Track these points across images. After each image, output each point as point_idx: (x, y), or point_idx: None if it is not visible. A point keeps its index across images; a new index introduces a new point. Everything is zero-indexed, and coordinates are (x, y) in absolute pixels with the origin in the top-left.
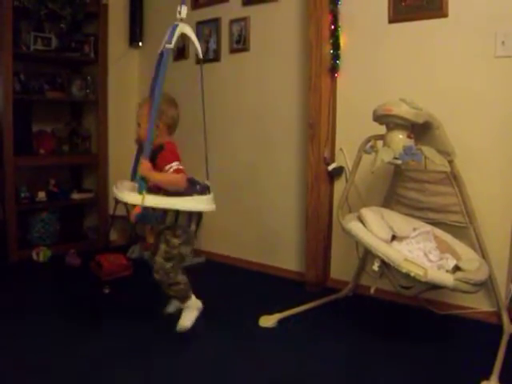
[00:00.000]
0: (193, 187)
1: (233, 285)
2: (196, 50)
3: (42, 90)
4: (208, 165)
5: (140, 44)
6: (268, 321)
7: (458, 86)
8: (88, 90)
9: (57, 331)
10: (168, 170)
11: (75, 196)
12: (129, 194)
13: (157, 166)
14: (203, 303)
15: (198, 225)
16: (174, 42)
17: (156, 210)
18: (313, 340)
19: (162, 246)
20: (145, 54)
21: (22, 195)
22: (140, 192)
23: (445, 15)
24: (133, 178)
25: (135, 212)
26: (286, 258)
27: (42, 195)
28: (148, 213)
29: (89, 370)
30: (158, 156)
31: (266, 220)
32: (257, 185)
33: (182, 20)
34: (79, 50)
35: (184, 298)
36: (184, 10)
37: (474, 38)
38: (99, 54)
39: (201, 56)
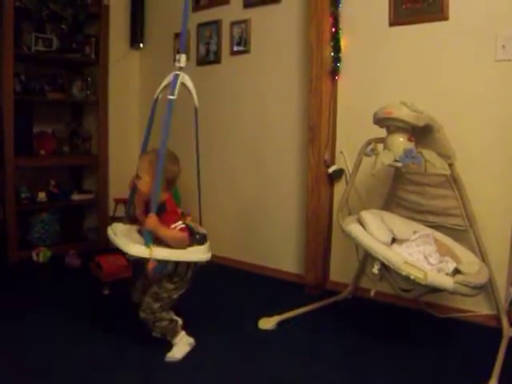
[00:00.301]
0: (192, 237)
1: (232, 287)
2: (193, 99)
3: (43, 91)
4: (201, 196)
5: (141, 45)
6: (267, 323)
7: (458, 89)
8: (89, 91)
9: (56, 332)
10: (174, 228)
11: (75, 197)
12: (134, 247)
13: (162, 223)
14: (202, 305)
15: (193, 272)
16: (176, 93)
17: (160, 261)
18: (312, 342)
19: (154, 288)
20: (145, 56)
21: (23, 196)
22: (147, 245)
23: (445, 18)
24: (128, 216)
25: (152, 266)
26: (286, 260)
27: (42, 196)
28: (162, 264)
29: (88, 372)
30: (163, 215)
31: (265, 222)
32: (257, 187)
33: (181, 69)
34: (80, 51)
35: (172, 335)
36: (183, 59)
37: (474, 41)
38: (100, 55)
39: (197, 105)
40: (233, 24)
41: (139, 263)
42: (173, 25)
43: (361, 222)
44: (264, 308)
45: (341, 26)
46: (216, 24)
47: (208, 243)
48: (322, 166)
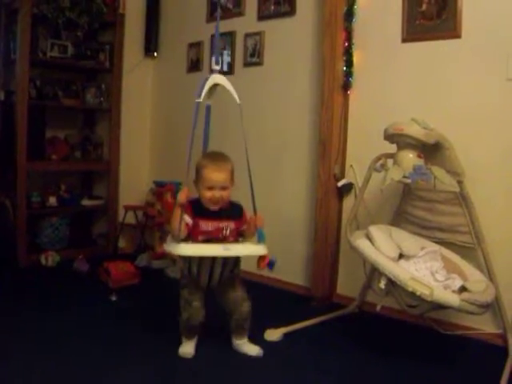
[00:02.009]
0: None
1: None
2: (233, 97)
3: (57, 97)
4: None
5: (155, 54)
6: (273, 334)
7: (469, 107)
8: (102, 98)
9: (61, 336)
10: None
11: (86, 202)
12: (258, 247)
13: (242, 223)
14: (208, 314)
15: None
16: (203, 95)
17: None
18: (317, 355)
19: (237, 281)
20: (159, 65)
21: (33, 200)
22: (263, 243)
23: (458, 36)
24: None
25: (263, 264)
26: (293, 272)
27: (52, 200)
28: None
29: (91, 377)
30: (243, 213)
31: (274, 233)
32: (266, 198)
33: (214, 71)
34: (94, 59)
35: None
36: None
37: (486, 59)
38: (114, 63)
39: (238, 101)
40: (247, 36)
41: (147, 270)
42: (187, 35)
43: (369, 237)
44: (270, 319)
45: (354, 41)
46: (230, 35)
47: None
48: (332, 179)
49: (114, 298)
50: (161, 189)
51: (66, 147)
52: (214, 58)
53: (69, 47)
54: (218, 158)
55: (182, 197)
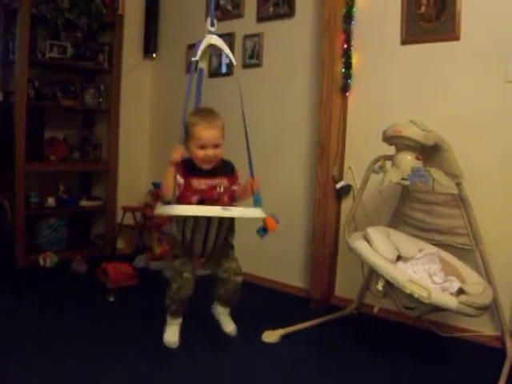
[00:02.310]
0: None
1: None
2: (229, 58)
3: (56, 98)
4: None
5: (154, 55)
6: (271, 336)
7: (468, 109)
8: (101, 99)
9: (59, 337)
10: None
11: (84, 203)
12: (253, 210)
13: (234, 180)
14: (206, 315)
15: None
16: (199, 54)
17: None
18: (315, 357)
19: (230, 251)
20: (158, 66)
21: (32, 200)
22: (260, 206)
23: (457, 38)
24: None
25: (273, 224)
26: (291, 273)
27: (51, 201)
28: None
29: (90, 378)
30: (234, 172)
31: (271, 235)
32: (264, 200)
33: (210, 32)
34: (94, 59)
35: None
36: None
37: (485, 62)
38: (113, 64)
39: (234, 62)
40: (246, 37)
41: (145, 271)
42: (186, 36)
43: (367, 239)
44: (268, 321)
45: (353, 43)
46: (229, 37)
47: None
48: (330, 181)
49: (111, 299)
50: (159, 190)
51: (64, 148)
52: (209, 19)
53: (68, 48)
54: (208, 114)
55: (177, 155)
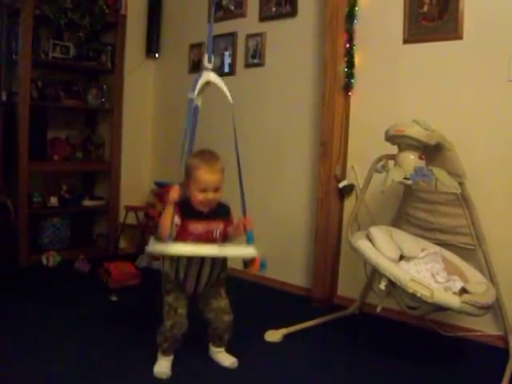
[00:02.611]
0: None
1: (239, 298)
2: (226, 96)
3: (59, 98)
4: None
5: (156, 55)
6: (274, 335)
7: (470, 109)
8: (103, 99)
9: (61, 336)
10: None
11: (87, 203)
12: (247, 249)
13: (229, 223)
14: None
15: None
16: (196, 92)
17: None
18: (317, 356)
19: (222, 290)
20: (161, 66)
21: (35, 200)
22: (252, 244)
23: (459, 37)
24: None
25: (257, 266)
26: (294, 273)
27: (54, 201)
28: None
29: (92, 376)
30: (229, 215)
31: (274, 234)
32: (266, 199)
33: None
34: (96, 59)
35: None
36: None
37: (487, 61)
38: (116, 64)
39: (231, 101)
40: (248, 37)
41: (147, 270)
42: (188, 36)
43: (369, 238)
44: (271, 320)
45: (355, 42)
46: (231, 36)
47: None
48: (333, 180)
49: (114, 298)
50: (162, 189)
51: (67, 148)
52: (206, 56)
53: (71, 48)
54: (210, 157)
55: (174, 195)
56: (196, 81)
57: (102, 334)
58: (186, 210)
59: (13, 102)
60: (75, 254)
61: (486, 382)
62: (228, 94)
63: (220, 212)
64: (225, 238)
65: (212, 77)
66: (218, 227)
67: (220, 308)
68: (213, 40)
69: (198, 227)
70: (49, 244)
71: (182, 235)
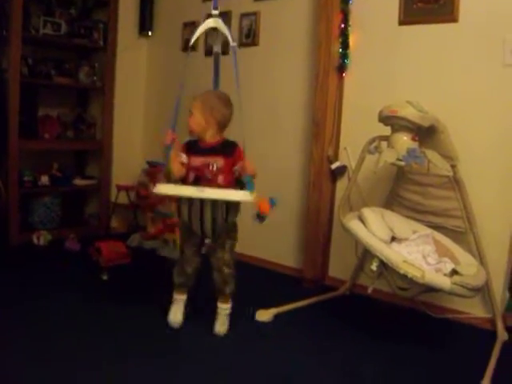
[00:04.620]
0: None
1: None
2: (228, 39)
3: (50, 75)
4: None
5: (149, 33)
6: (264, 315)
7: (464, 92)
8: (95, 77)
9: (52, 315)
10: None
11: (78, 182)
12: (238, 193)
13: (236, 159)
14: (200, 294)
15: None
16: (194, 39)
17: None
18: (307, 337)
19: (228, 242)
20: (154, 44)
21: (25, 179)
22: (251, 190)
23: (455, 20)
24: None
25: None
26: (285, 253)
27: (44, 179)
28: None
29: (83, 355)
30: (234, 151)
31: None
32: (258, 179)
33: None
34: (88, 37)
35: (232, 295)
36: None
37: (483, 44)
38: (108, 42)
39: (232, 43)
40: (242, 16)
41: (138, 250)
42: (182, 14)
43: (361, 219)
44: (261, 300)
45: (350, 23)
46: (225, 15)
47: None
48: (325, 161)
49: (105, 277)
50: (154, 169)
51: (58, 126)
52: (213, 3)
53: (62, 25)
54: (207, 92)
55: (166, 139)
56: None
57: (93, 312)
58: (191, 147)
59: (3, 79)
60: (66, 233)
61: (473, 364)
62: (229, 35)
63: (223, 148)
64: (231, 175)
65: (212, 22)
66: (215, 161)
67: (222, 259)
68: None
69: (196, 161)
70: (39, 223)
71: (187, 171)
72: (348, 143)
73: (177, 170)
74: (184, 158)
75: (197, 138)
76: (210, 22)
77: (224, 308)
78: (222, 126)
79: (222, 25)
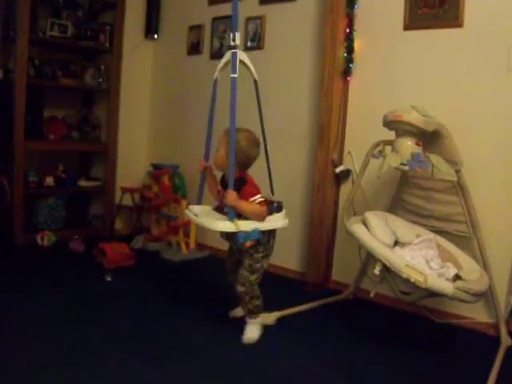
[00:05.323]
0: (271, 206)
1: None
2: (252, 73)
3: (56, 76)
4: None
5: (155, 36)
6: (267, 318)
7: (469, 97)
8: (101, 79)
9: (57, 316)
10: (253, 201)
11: (82, 183)
12: (220, 223)
13: (240, 197)
14: (205, 297)
15: (274, 238)
16: (217, 72)
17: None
18: (310, 340)
19: (247, 262)
20: (159, 47)
21: (30, 179)
22: (231, 220)
23: (460, 25)
24: (198, 202)
25: (249, 244)
26: (289, 257)
27: (49, 180)
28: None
29: (87, 357)
30: (241, 189)
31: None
32: (263, 182)
33: (235, 47)
34: (94, 39)
35: (257, 313)
36: (237, 37)
37: (487, 50)
38: (114, 44)
39: (256, 78)
40: (248, 20)
41: (142, 252)
42: (188, 17)
43: (365, 223)
44: (265, 303)
45: (355, 28)
46: (231, 19)
47: (284, 210)
48: (330, 165)
49: (109, 279)
50: (158, 171)
51: (63, 127)
52: (231, 35)
53: (69, 27)
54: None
55: (200, 166)
56: (234, 59)
57: (96, 314)
58: (223, 178)
59: (9, 80)
60: (70, 234)
61: (477, 369)
62: (253, 69)
63: (236, 184)
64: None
65: (243, 56)
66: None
67: (238, 275)
68: (212, 22)
69: (219, 194)
70: (44, 224)
71: None
72: (352, 147)
73: (213, 195)
74: (219, 187)
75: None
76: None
77: (248, 320)
78: (245, 165)
79: (246, 58)
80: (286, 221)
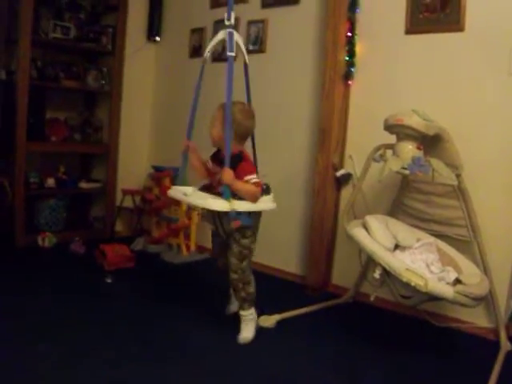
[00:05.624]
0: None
1: None
2: (244, 56)
3: (58, 78)
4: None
5: (157, 39)
6: (267, 321)
7: (470, 101)
8: (103, 81)
9: (57, 318)
10: (248, 180)
11: (83, 185)
12: (214, 201)
13: (236, 174)
14: (204, 300)
15: (259, 219)
16: (208, 50)
17: (242, 214)
18: (310, 343)
19: (235, 248)
20: (161, 49)
21: (32, 180)
22: (227, 199)
23: (461, 30)
24: (178, 182)
25: (237, 224)
26: (289, 260)
27: (51, 182)
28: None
29: (87, 358)
30: (237, 165)
31: (270, 221)
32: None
33: (231, 26)
34: (97, 41)
35: (251, 303)
36: (233, 17)
37: (488, 54)
38: (116, 46)
39: (247, 62)
40: (250, 23)
41: (143, 254)
42: (190, 20)
43: (365, 227)
44: (265, 306)
45: (357, 32)
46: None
47: (272, 193)
48: (330, 169)
49: (109, 281)
50: (159, 174)
51: (65, 129)
52: (226, 14)
53: (71, 29)
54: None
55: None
56: (231, 38)
57: (96, 315)
58: (215, 155)
59: (12, 81)
60: (71, 235)
61: (476, 374)
62: (245, 52)
63: (232, 161)
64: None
65: (237, 37)
66: (219, 174)
67: (229, 263)
68: (214, 26)
69: (214, 169)
70: (45, 225)
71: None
72: (353, 151)
73: (200, 174)
74: (209, 164)
75: (218, 147)
76: (223, 33)
77: (242, 314)
78: (242, 138)
79: (239, 37)
80: (275, 204)
